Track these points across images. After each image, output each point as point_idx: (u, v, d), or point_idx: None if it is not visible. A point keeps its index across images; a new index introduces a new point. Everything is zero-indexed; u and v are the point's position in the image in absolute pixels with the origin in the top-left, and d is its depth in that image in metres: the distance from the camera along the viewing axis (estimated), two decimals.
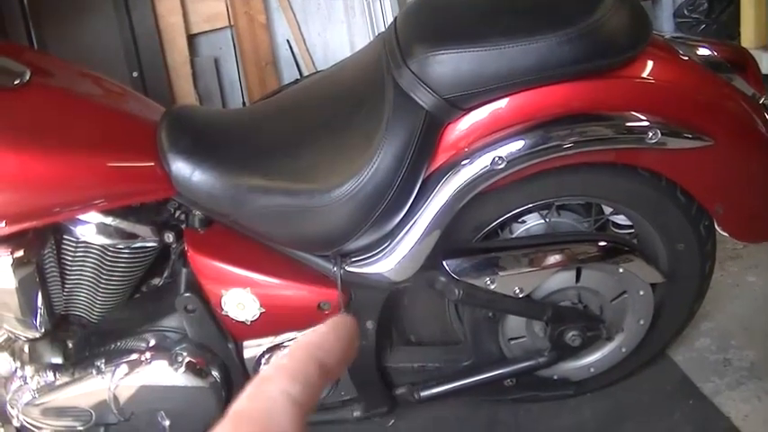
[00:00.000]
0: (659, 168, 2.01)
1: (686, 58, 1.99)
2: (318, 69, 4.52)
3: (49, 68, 2.07)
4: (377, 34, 4.27)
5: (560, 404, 2.42)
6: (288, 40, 4.61)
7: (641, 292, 2.19)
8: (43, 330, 2.00)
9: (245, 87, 4.51)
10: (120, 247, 2.00)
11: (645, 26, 1.89)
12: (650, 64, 1.89)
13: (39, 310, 1.96)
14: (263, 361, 2.14)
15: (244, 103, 4.44)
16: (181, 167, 1.92)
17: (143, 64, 4.15)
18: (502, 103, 1.84)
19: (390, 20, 4.26)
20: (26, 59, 1.99)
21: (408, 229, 1.90)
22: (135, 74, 4.10)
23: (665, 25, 4.70)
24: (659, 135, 1.84)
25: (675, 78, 1.92)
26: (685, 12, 4.53)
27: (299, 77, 4.39)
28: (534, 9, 1.89)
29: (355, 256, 1.98)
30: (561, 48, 1.76)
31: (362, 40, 4.54)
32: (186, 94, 4.32)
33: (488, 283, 2.06)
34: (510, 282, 2.08)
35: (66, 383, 2.09)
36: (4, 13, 3.76)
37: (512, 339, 2.25)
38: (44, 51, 3.61)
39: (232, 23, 4.40)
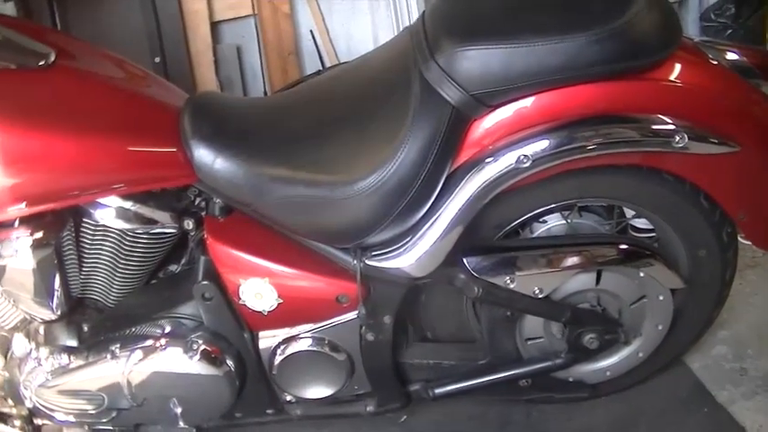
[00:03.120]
0: (684, 173, 2.00)
1: (715, 62, 1.97)
2: (341, 61, 4.50)
3: (74, 50, 2.06)
4: (401, 27, 4.28)
5: (574, 406, 2.41)
6: (311, 31, 4.59)
7: (661, 297, 2.17)
8: (59, 313, 1.99)
9: (266, 76, 4.50)
10: (138, 232, 2.00)
11: (675, 29, 1.88)
12: (679, 67, 1.87)
13: (55, 293, 1.95)
14: (278, 351, 2.13)
15: (265, 93, 4.43)
16: (203, 154, 1.91)
17: (165, 49, 4.14)
18: (528, 102, 1.82)
19: (415, 14, 4.25)
20: (51, 41, 1.99)
21: (430, 225, 1.89)
22: (157, 59, 4.09)
23: (690, 29, 4.66)
24: (686, 139, 1.83)
25: (704, 83, 1.90)
26: (712, 16, 4.48)
27: (321, 68, 4.37)
28: (565, 7, 1.87)
29: (376, 250, 1.96)
30: (591, 47, 1.74)
31: (386, 33, 4.51)
32: (208, 81, 4.31)
33: (508, 282, 2.05)
34: (530, 282, 2.07)
35: (80, 367, 2.08)
36: None
37: (529, 340, 2.24)
38: (68, 33, 3.60)
39: (256, 12, 4.38)
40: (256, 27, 4.43)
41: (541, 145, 1.81)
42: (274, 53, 4.50)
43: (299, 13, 4.58)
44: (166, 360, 2.06)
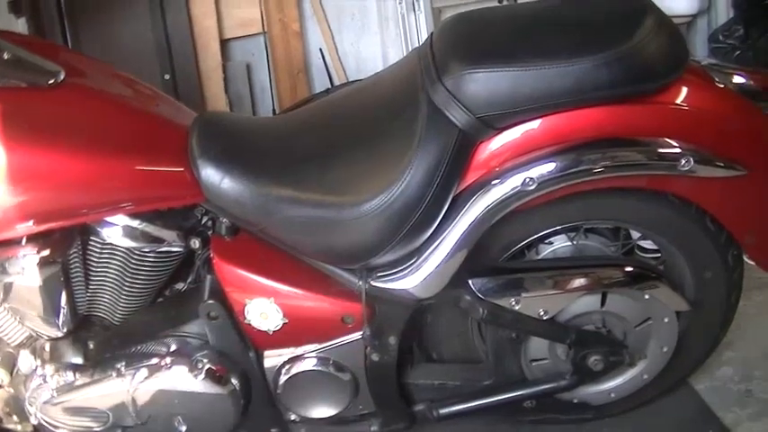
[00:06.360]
0: (690, 196, 2.00)
1: (722, 85, 1.98)
2: (350, 79, 4.53)
3: (84, 69, 2.07)
4: (410, 46, 4.30)
5: (578, 427, 2.40)
6: (320, 49, 4.61)
7: (666, 320, 2.17)
8: (65, 330, 2.00)
9: (275, 94, 4.52)
10: (145, 250, 2.00)
11: (682, 52, 1.88)
12: (685, 91, 1.88)
13: (62, 310, 1.97)
14: (283, 371, 2.13)
15: (274, 110, 4.45)
16: (211, 174, 1.92)
17: (175, 66, 4.17)
18: (535, 124, 1.83)
19: (424, 33, 4.27)
20: (61, 59, 2.00)
21: (436, 247, 1.90)
22: (167, 76, 4.12)
23: (699, 50, 4.67)
24: (692, 163, 1.83)
25: (710, 106, 1.91)
26: (720, 37, 4.48)
27: (330, 87, 4.39)
28: (572, 30, 1.87)
29: (381, 271, 1.97)
30: (598, 71, 1.75)
31: (395, 51, 4.54)
32: (217, 98, 4.33)
33: (513, 303, 2.04)
34: (535, 303, 2.06)
35: (86, 384, 2.08)
36: (41, 11, 3.79)
37: (534, 361, 2.23)
38: (79, 51, 3.62)
39: (266, 30, 4.41)
40: (266, 45, 4.45)
41: (548, 168, 1.82)
42: (284, 71, 4.52)
43: (308, 31, 4.61)
44: (172, 378, 2.05)
